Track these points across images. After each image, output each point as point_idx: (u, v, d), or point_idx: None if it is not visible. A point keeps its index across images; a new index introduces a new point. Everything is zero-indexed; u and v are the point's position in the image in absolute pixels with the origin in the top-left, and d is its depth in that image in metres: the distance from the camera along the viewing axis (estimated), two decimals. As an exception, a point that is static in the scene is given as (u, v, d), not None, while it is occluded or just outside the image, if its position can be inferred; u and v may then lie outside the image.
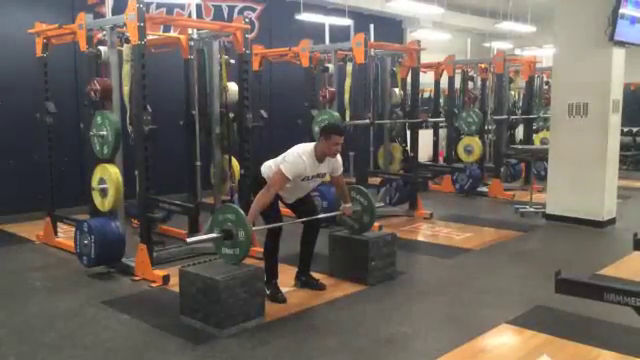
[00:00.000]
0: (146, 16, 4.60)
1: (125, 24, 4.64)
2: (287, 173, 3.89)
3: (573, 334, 3.54)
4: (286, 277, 4.46)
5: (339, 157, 4.22)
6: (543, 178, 8.28)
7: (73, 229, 5.04)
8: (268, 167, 4.11)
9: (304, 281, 4.44)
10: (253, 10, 9.11)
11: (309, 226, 4.36)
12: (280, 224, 4.15)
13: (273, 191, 3.92)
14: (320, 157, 4.04)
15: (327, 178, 4.29)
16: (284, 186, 3.98)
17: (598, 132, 6.40)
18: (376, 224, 6.39)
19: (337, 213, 4.54)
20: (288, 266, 4.58)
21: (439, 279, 4.77)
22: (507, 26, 12.10)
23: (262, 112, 5.95)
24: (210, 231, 3.83)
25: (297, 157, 3.95)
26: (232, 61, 5.43)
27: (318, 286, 4.40)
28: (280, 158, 4.04)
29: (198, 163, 5.73)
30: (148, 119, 4.66)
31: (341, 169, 4.31)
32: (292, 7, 9.16)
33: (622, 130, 7.54)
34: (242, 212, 3.70)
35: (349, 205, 4.44)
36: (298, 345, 3.44)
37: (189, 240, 3.92)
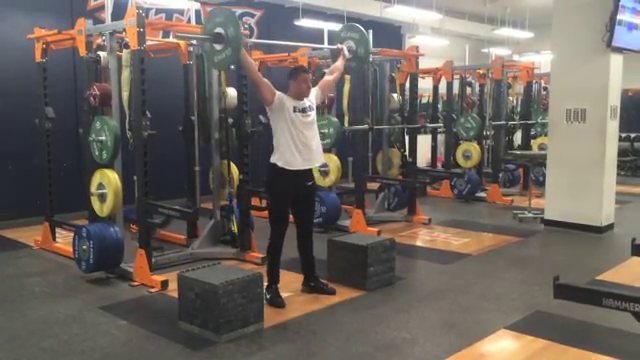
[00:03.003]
0: (146, 22, 4.62)
1: (125, 30, 4.65)
2: (274, 89, 4.07)
3: (572, 339, 3.54)
4: (285, 282, 4.45)
5: (313, 90, 4.31)
6: (541, 183, 8.29)
7: (72, 234, 5.03)
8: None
9: (313, 286, 4.43)
10: (252, 16, 9.14)
11: (302, 229, 4.37)
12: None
13: (260, 80, 4.06)
14: (295, 97, 4.15)
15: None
16: (268, 87, 4.06)
17: (596, 138, 6.40)
18: (375, 229, 6.43)
19: (333, 47, 4.77)
20: (287, 271, 4.57)
21: (438, 284, 4.76)
22: (505, 32, 12.16)
23: (261, 117, 5.95)
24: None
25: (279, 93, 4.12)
26: (231, 66, 5.44)
27: (328, 290, 4.40)
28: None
29: (197, 168, 5.73)
30: (147, 124, 4.67)
31: (321, 91, 4.46)
32: (291, 13, 9.18)
33: (620, 136, 7.54)
34: (231, 11, 3.92)
35: (341, 45, 4.68)
36: (297, 351, 3.44)
37: None
